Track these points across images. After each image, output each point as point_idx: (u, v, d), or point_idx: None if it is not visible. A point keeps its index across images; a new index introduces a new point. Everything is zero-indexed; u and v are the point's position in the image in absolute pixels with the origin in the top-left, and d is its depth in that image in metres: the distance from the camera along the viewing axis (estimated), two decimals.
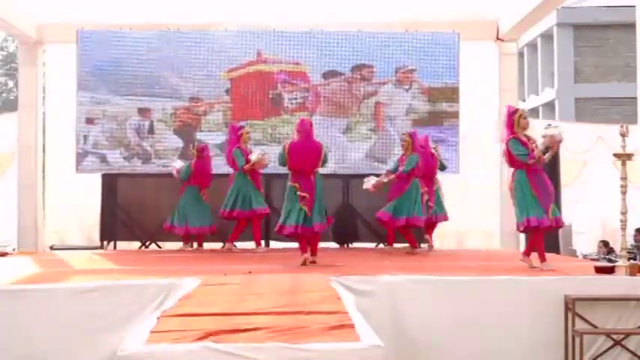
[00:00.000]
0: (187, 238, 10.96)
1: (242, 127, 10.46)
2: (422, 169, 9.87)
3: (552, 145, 7.56)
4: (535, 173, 7.57)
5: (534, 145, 7.59)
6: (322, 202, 8.43)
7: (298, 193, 8.22)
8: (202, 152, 10.82)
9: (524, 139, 7.63)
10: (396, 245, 11.58)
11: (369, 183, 9.96)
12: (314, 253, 8.48)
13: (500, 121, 9.11)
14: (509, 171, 8.01)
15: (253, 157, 9.93)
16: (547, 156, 7.65)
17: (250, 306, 5.23)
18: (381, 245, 11.63)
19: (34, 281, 6.86)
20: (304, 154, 8.26)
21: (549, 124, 7.72)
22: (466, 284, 6.78)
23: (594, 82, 25.46)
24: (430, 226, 10.48)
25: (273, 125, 11.81)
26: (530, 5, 11.07)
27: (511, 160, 7.66)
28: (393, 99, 12.05)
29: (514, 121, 7.64)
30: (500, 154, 7.89)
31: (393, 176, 9.78)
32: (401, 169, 9.74)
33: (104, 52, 11.88)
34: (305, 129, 8.37)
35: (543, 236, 7.73)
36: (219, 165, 11.90)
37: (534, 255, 7.74)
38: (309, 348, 4.05)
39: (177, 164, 11.06)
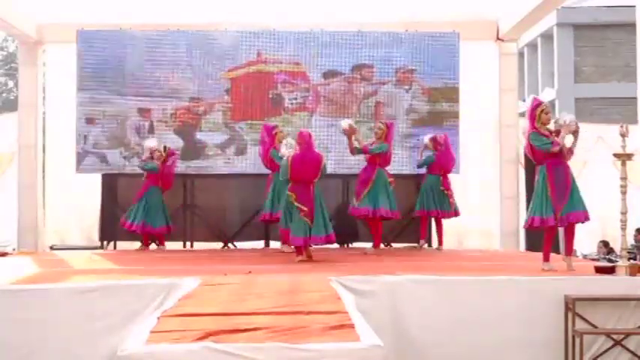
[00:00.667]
0: (147, 239, 10.99)
1: (275, 127, 10.43)
2: (389, 160, 10.05)
3: (572, 130, 7.36)
4: (557, 168, 7.38)
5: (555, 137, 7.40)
6: (325, 211, 8.79)
7: (296, 204, 8.54)
8: (170, 156, 10.96)
9: (545, 132, 7.44)
10: (395, 245, 11.63)
11: (346, 123, 9.93)
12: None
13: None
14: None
15: (283, 150, 9.64)
16: (573, 143, 7.45)
17: (250, 306, 5.23)
18: (381, 245, 11.63)
19: (34, 281, 6.86)
20: (306, 166, 8.60)
21: (557, 119, 7.61)
22: (466, 284, 6.78)
23: (594, 82, 25.46)
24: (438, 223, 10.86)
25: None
26: (530, 5, 11.07)
27: (533, 153, 7.48)
28: (393, 99, 12.05)
29: (536, 115, 7.45)
30: (524, 151, 7.76)
31: (360, 146, 9.81)
32: (371, 147, 9.84)
33: (104, 52, 11.88)
34: (305, 141, 8.74)
35: (552, 236, 7.64)
36: (220, 166, 11.93)
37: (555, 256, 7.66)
38: (309, 348, 4.05)
39: (152, 142, 10.98)
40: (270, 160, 10.09)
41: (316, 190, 8.69)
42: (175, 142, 11.76)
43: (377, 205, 9.66)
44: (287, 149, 9.26)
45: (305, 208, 8.50)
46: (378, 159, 9.85)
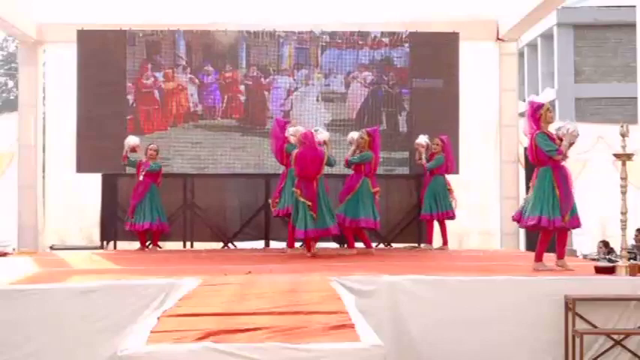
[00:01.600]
0: (145, 239, 10.85)
1: (288, 122, 10.35)
2: (375, 169, 9.99)
3: (572, 141, 7.36)
4: (561, 171, 7.39)
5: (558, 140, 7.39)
6: (329, 203, 9.30)
7: (301, 199, 9.02)
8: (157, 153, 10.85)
9: (552, 134, 7.44)
10: (395, 245, 11.63)
11: (356, 134, 10.02)
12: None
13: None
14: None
15: (293, 139, 9.66)
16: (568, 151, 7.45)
17: (250, 306, 5.23)
18: (381, 245, 11.63)
19: (34, 281, 6.85)
20: (308, 163, 9.09)
21: (560, 126, 7.54)
22: (466, 284, 6.77)
23: (594, 82, 25.45)
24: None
25: None
26: (530, 5, 11.07)
27: (537, 154, 7.43)
28: (393, 99, 12.05)
29: (541, 115, 7.42)
30: (525, 150, 7.78)
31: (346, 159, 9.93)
32: (351, 158, 9.86)
33: (104, 52, 11.88)
34: (308, 140, 9.15)
35: (549, 237, 7.61)
36: (220, 166, 11.93)
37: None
38: (309, 348, 4.04)
39: (134, 140, 10.80)
40: (286, 155, 9.86)
41: (320, 184, 9.17)
42: (175, 143, 11.75)
43: (357, 215, 9.63)
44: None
45: (309, 203, 9.00)
46: (364, 168, 9.81)
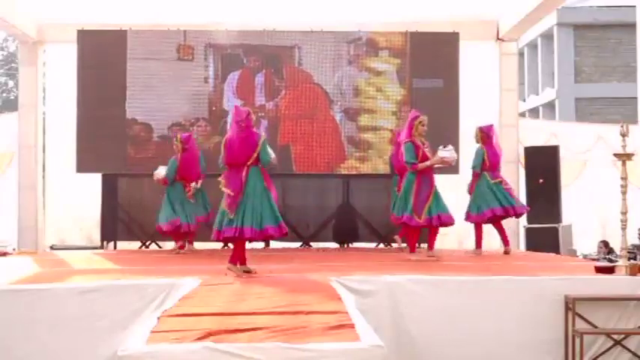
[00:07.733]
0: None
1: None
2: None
3: (444, 164, 8.67)
4: (424, 177, 8.50)
5: (427, 148, 8.54)
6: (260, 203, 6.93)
7: (224, 189, 6.97)
8: (187, 143, 10.02)
9: (418, 145, 8.48)
10: (395, 245, 11.61)
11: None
12: (233, 260, 7.07)
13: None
14: None
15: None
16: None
17: (250, 306, 5.23)
18: (381, 245, 11.63)
19: (34, 281, 6.85)
20: (237, 147, 6.99)
21: (443, 146, 8.63)
22: (466, 284, 6.77)
23: (594, 82, 25.47)
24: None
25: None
26: (530, 5, 11.07)
27: (400, 161, 8.73)
28: (393, 99, 12.04)
29: (413, 125, 8.53)
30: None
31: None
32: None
33: (104, 52, 11.88)
34: (241, 119, 7.00)
35: (416, 232, 8.76)
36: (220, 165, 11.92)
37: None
38: (309, 348, 4.05)
39: (162, 172, 10.19)
40: None
41: (251, 175, 6.95)
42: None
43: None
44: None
45: (231, 193, 6.89)
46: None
